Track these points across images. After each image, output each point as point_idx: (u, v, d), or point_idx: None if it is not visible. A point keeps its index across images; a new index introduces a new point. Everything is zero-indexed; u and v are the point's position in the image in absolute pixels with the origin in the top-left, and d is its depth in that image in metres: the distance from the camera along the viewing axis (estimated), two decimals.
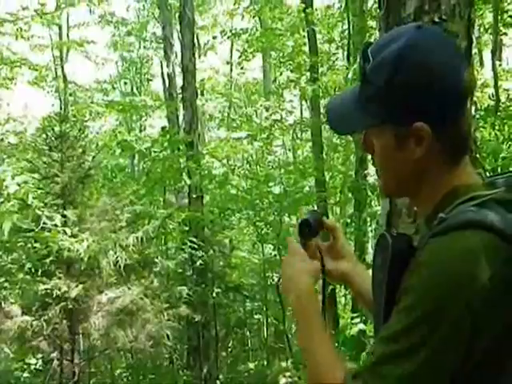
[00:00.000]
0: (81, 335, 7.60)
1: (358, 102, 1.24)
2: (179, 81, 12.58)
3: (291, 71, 13.81)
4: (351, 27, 11.27)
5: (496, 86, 8.81)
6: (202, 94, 18.08)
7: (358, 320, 7.82)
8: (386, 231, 1.26)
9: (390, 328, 1.09)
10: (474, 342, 1.05)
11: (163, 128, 13.09)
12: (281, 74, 15.94)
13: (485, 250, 1.06)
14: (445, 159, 1.20)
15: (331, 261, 1.54)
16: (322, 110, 12.68)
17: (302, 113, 17.98)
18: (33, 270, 7.38)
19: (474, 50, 2.95)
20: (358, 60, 1.28)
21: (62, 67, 19.11)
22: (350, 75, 8.17)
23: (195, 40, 13.00)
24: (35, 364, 8.65)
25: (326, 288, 1.56)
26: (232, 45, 19.54)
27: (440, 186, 1.20)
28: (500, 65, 9.46)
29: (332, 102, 1.36)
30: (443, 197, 1.19)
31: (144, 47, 21.38)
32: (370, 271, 1.34)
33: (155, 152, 12.22)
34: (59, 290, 6.91)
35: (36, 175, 7.95)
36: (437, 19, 2.83)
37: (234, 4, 17.52)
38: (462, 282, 1.04)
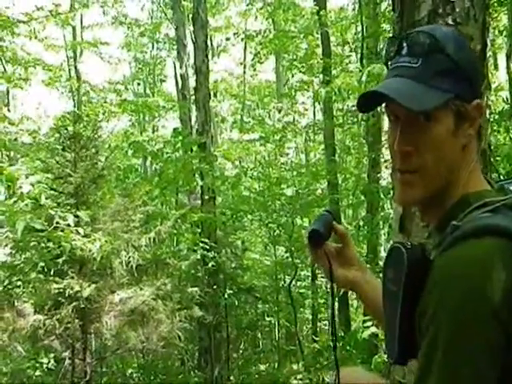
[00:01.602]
0: (93, 335, 7.62)
1: (418, 81, 1.17)
2: (192, 82, 12.60)
3: (303, 73, 13.81)
4: (364, 30, 11.25)
5: (511, 90, 8.77)
6: (215, 96, 18.10)
7: (370, 323, 7.79)
8: (399, 243, 1.21)
9: (424, 366, 1.04)
10: (508, 353, 1.01)
11: (175, 129, 13.11)
12: (293, 75, 15.92)
13: (501, 255, 1.03)
14: (476, 154, 1.22)
15: (339, 267, 1.52)
16: (334, 113, 12.67)
17: (314, 115, 17.97)
18: (46, 269, 7.40)
19: (489, 53, 2.94)
20: (409, 41, 1.20)
21: (76, 67, 19.22)
22: (363, 78, 8.15)
23: (208, 41, 13.02)
24: (47, 363, 8.68)
25: (334, 294, 1.54)
26: (245, 46, 19.55)
27: (454, 191, 1.19)
28: None
29: (384, 86, 1.22)
30: (455, 204, 1.18)
31: (157, 48, 21.45)
32: (380, 280, 1.32)
33: (167, 153, 12.25)
34: (72, 289, 6.93)
35: (49, 175, 7.97)
36: (451, 22, 2.82)
37: (248, 5, 17.54)
38: (483, 290, 1.01)
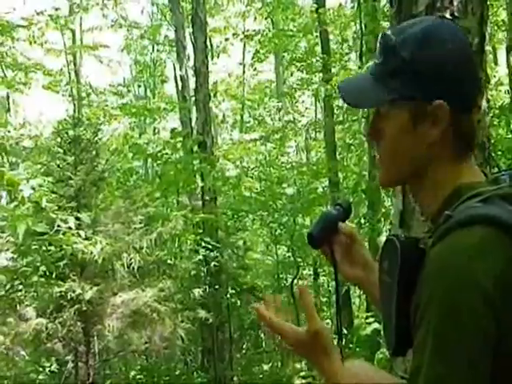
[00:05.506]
0: (95, 337, 7.61)
1: (376, 79, 1.21)
2: (192, 83, 12.60)
3: (302, 71, 13.79)
4: (363, 27, 11.23)
5: (511, 84, 8.75)
6: (215, 96, 18.09)
7: (372, 319, 7.79)
8: (394, 235, 1.22)
9: (417, 360, 1.04)
10: (501, 343, 1.01)
11: (173, 130, 13.11)
12: (291, 74, 15.89)
13: (492, 243, 1.03)
14: (454, 152, 1.18)
15: (345, 264, 1.50)
16: (335, 111, 12.65)
17: (316, 113, 17.94)
18: (47, 272, 7.40)
19: (488, 47, 2.92)
20: (379, 39, 1.25)
21: (76, 71, 19.21)
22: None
23: (207, 42, 13.01)
24: (50, 366, 8.66)
25: (340, 290, 1.53)
26: (244, 46, 19.54)
27: (445, 184, 1.18)
28: None
29: (346, 80, 1.35)
30: (448, 196, 1.17)
31: (157, 50, 21.43)
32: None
33: (167, 154, 12.23)
34: (74, 292, 6.93)
35: (50, 178, 7.97)
36: (449, 16, 2.81)
37: (246, 6, 17.52)
38: (475, 278, 1.00)
